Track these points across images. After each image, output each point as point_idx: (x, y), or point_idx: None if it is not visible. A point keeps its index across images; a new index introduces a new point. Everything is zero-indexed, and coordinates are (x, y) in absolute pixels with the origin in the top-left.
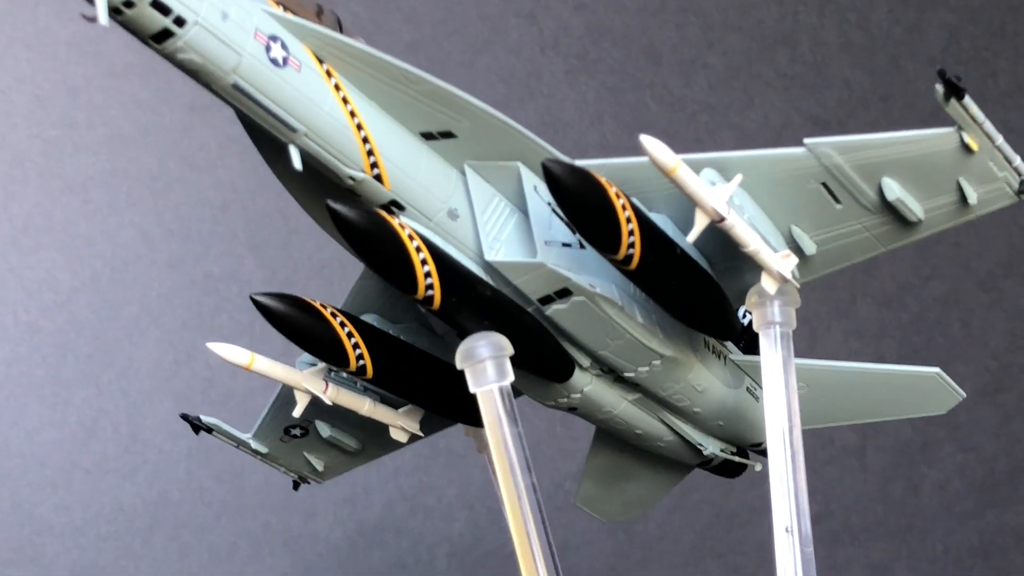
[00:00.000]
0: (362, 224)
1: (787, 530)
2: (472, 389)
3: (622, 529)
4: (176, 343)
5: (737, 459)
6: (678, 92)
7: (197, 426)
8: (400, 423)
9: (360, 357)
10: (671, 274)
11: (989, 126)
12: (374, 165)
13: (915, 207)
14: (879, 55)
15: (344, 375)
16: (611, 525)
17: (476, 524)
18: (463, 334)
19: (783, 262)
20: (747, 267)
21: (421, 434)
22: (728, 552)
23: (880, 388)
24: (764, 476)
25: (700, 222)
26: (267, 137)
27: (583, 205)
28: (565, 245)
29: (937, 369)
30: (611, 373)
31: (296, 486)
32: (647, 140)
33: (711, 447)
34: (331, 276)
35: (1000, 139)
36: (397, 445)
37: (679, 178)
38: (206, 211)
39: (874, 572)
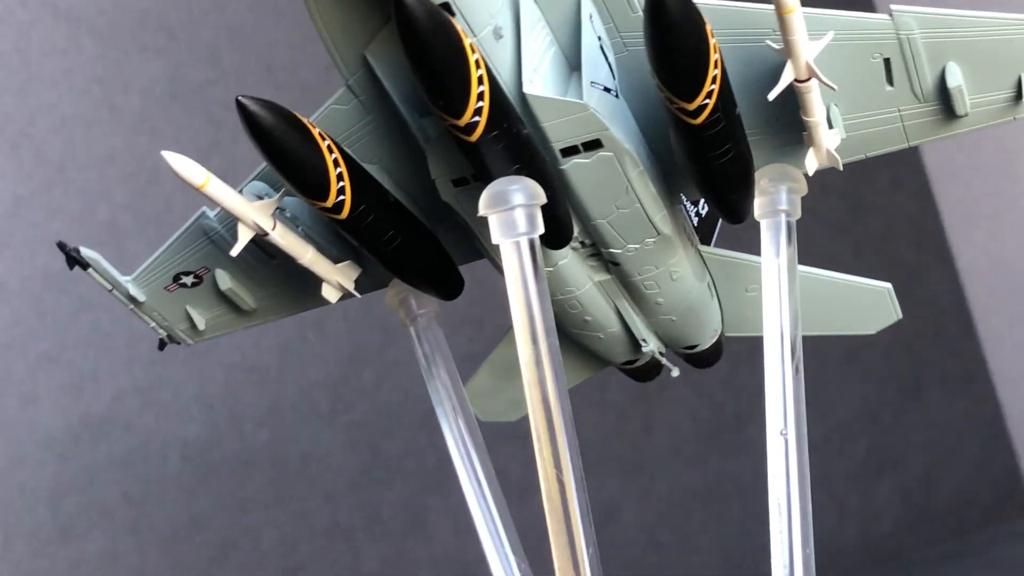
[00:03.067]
0: (428, 22)
1: (781, 433)
2: (495, 240)
3: (367, 443)
4: None
5: (664, 361)
6: None
7: (73, 259)
8: (337, 278)
9: (341, 191)
10: (728, 135)
11: None
12: None
13: (967, 99)
14: None
15: (288, 215)
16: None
17: (214, 427)
18: (477, 178)
19: (833, 139)
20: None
21: (356, 293)
22: None
23: (830, 298)
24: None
25: (787, 78)
26: None
27: (682, 39)
28: (606, 90)
29: (889, 285)
30: (591, 247)
31: (162, 346)
32: None
33: (652, 344)
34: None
35: None
36: (295, 308)
37: (792, 21)
38: None
39: (604, 508)
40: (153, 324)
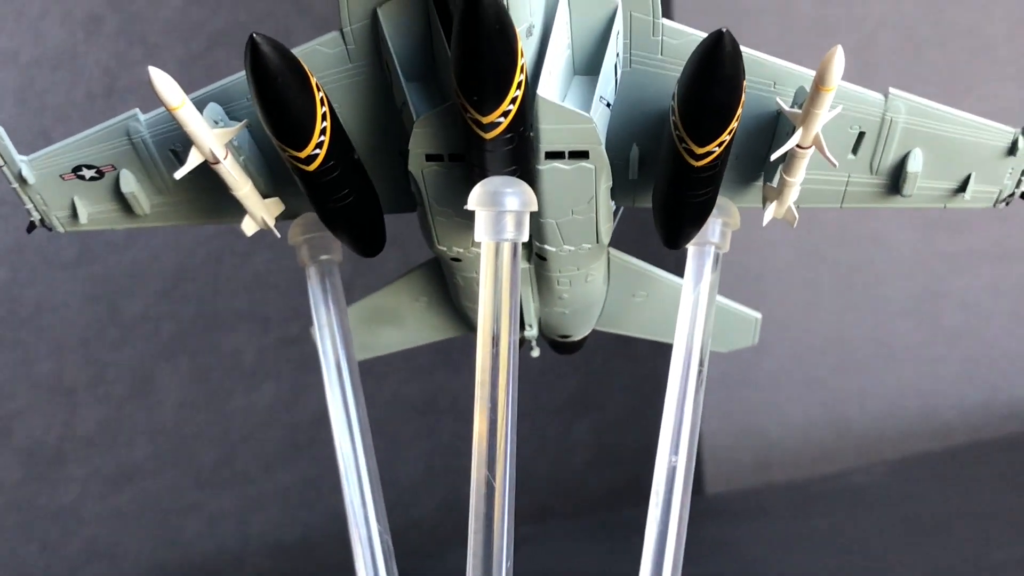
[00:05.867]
0: (495, 21)
1: (671, 463)
2: (479, 237)
3: (106, 301)
4: None
5: (534, 343)
6: None
7: None
8: (262, 214)
9: (319, 146)
10: (715, 179)
11: None
12: None
13: (917, 183)
14: None
15: (235, 143)
16: None
17: None
18: (453, 158)
19: (795, 195)
20: None
21: (276, 232)
22: (204, 352)
23: None
24: None
25: (793, 142)
26: None
27: (725, 94)
28: (607, 105)
29: (759, 315)
30: None
31: (31, 228)
32: (837, 50)
33: (535, 329)
34: None
35: None
36: (186, 220)
37: (825, 98)
38: None
39: (323, 407)
40: (30, 205)
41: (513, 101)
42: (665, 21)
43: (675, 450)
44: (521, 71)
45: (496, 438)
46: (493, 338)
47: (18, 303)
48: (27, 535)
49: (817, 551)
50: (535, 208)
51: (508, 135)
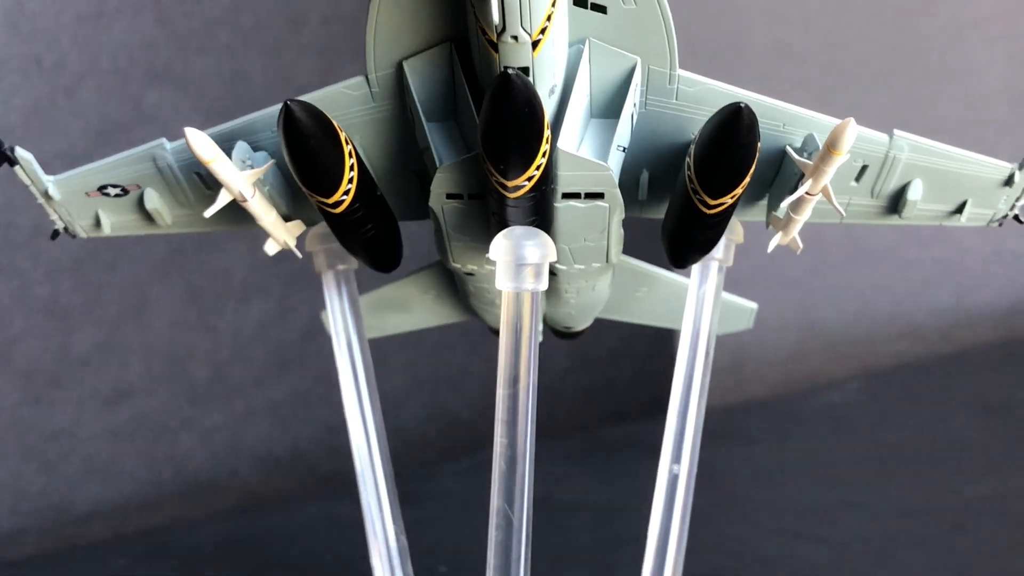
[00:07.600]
0: (524, 102)
1: (673, 472)
2: (500, 285)
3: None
4: None
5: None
6: None
7: (5, 156)
8: (285, 237)
9: (346, 193)
10: (726, 219)
11: None
12: (543, 30)
13: (916, 208)
14: None
15: (266, 177)
16: None
17: None
18: (472, 197)
19: (799, 226)
20: None
21: (298, 252)
22: (196, 271)
23: None
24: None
25: (802, 190)
26: None
27: (741, 159)
28: (623, 150)
29: (755, 305)
30: None
31: (55, 235)
32: (850, 122)
33: (540, 325)
34: None
35: None
36: (204, 227)
37: (836, 160)
38: None
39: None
40: (55, 216)
41: (538, 168)
42: (681, 72)
43: (676, 459)
44: (547, 141)
45: (515, 475)
46: (513, 380)
47: (13, 228)
48: (26, 456)
49: (792, 480)
50: (555, 259)
51: (531, 195)
